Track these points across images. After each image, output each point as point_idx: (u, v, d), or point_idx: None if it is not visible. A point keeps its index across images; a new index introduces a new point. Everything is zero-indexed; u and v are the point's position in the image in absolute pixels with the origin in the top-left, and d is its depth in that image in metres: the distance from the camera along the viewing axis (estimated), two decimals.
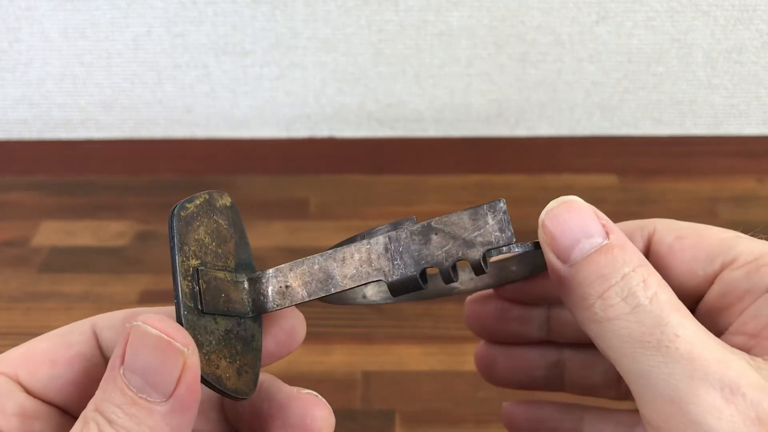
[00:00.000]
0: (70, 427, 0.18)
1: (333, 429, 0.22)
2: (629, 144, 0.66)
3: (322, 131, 0.67)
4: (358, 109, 0.65)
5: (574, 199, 0.22)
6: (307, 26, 0.61)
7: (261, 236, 0.56)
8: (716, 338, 0.20)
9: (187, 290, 0.20)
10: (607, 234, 0.21)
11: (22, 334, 0.48)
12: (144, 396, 0.18)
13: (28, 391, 0.21)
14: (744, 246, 0.22)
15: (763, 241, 0.22)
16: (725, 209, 0.58)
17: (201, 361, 0.19)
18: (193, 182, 0.62)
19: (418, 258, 0.21)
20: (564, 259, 0.21)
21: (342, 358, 0.46)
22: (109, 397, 0.18)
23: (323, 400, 0.23)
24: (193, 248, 0.21)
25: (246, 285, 0.23)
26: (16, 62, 0.63)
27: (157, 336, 0.18)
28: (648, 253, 0.23)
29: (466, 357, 0.46)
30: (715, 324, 0.22)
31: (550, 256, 0.22)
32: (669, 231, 0.23)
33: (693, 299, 0.23)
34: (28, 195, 0.61)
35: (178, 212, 0.21)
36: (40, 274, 0.53)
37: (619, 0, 0.60)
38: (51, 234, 0.56)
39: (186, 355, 0.18)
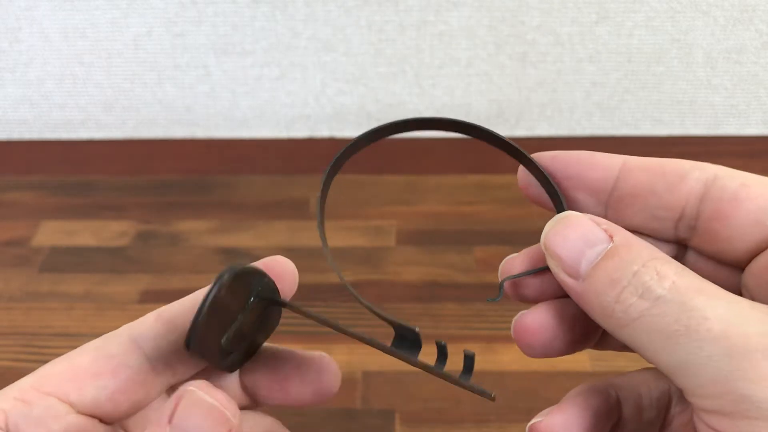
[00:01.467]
0: None
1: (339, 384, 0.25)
2: (629, 144, 0.66)
3: (322, 131, 0.67)
4: (358, 109, 0.65)
5: (569, 214, 0.22)
6: (307, 26, 0.61)
7: (261, 236, 0.56)
8: (757, 306, 0.19)
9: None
10: (611, 237, 0.20)
11: (23, 334, 0.49)
12: None
13: (76, 409, 0.21)
14: None
15: None
16: None
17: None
18: (193, 182, 0.62)
19: None
20: (575, 276, 0.20)
21: (342, 358, 0.46)
22: None
23: (331, 358, 0.25)
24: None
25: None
26: (16, 62, 0.63)
27: (211, 404, 0.19)
28: (704, 200, 0.22)
29: None
30: None
31: (562, 277, 0.21)
32: (732, 178, 0.21)
33: (753, 252, 0.21)
34: (28, 195, 0.61)
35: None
36: (40, 274, 0.53)
37: (619, 0, 0.60)
38: (51, 234, 0.56)
39: (232, 425, 0.19)
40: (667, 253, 0.23)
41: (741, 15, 0.60)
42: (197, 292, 0.23)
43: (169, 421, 0.19)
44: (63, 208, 0.59)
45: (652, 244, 0.23)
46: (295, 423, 0.43)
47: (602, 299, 0.20)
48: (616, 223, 0.22)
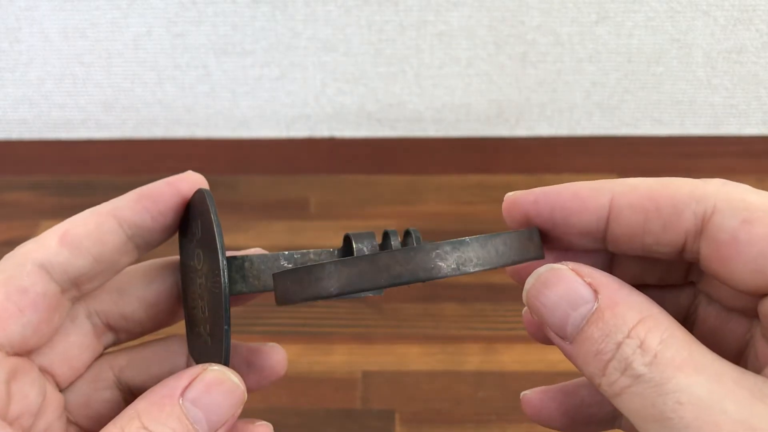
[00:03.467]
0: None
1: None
2: (629, 144, 0.66)
3: (322, 131, 0.67)
4: (358, 109, 0.65)
5: (551, 268, 0.20)
6: (307, 26, 0.61)
7: (261, 236, 0.56)
8: (746, 380, 0.17)
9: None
10: (596, 294, 0.19)
11: None
12: (197, 428, 0.20)
13: (4, 351, 0.21)
14: None
15: None
16: None
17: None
18: None
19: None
20: (563, 337, 0.19)
21: (342, 358, 0.46)
22: (162, 419, 0.19)
23: (279, 345, 0.26)
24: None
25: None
26: (16, 62, 0.63)
27: (235, 383, 0.21)
28: (701, 234, 0.19)
29: (466, 357, 0.46)
30: None
31: (551, 335, 0.20)
32: (733, 213, 0.19)
33: (756, 297, 0.19)
34: (28, 195, 0.61)
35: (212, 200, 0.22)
36: None
37: (619, 0, 0.60)
38: None
39: (239, 408, 0.21)
40: (679, 300, 0.22)
41: (741, 15, 0.60)
42: (100, 206, 0.24)
43: (182, 395, 0.20)
44: (63, 208, 0.59)
45: (661, 293, 0.22)
46: (295, 423, 0.43)
47: (590, 369, 0.19)
48: (618, 251, 0.20)
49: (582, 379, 0.24)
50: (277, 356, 0.26)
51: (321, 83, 0.64)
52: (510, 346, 0.46)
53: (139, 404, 0.20)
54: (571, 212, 0.21)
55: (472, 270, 0.20)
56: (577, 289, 0.19)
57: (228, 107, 0.66)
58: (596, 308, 0.18)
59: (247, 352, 0.26)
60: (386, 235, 0.24)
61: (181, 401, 0.20)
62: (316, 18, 0.61)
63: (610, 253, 0.23)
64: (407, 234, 0.25)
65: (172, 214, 0.23)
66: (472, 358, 0.46)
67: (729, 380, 0.17)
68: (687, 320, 0.23)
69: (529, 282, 0.20)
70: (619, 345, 0.18)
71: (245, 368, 0.25)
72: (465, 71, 0.63)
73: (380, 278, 0.19)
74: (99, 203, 0.24)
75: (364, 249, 0.24)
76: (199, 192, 0.23)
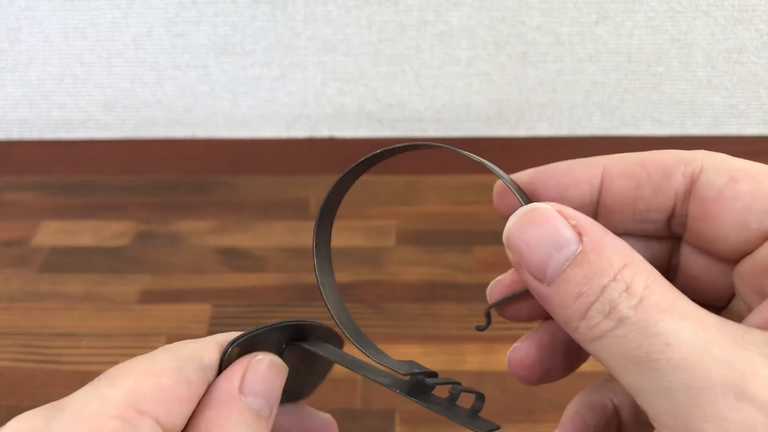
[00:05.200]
0: None
1: None
2: (629, 144, 0.66)
3: (322, 131, 0.67)
4: (358, 109, 0.65)
5: (536, 207, 0.19)
6: (307, 26, 0.61)
7: (261, 236, 0.56)
8: (728, 327, 0.17)
9: None
10: (580, 236, 0.19)
11: (23, 334, 0.49)
12: (263, 414, 0.21)
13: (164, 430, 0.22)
14: None
15: None
16: None
17: None
18: (193, 182, 0.62)
19: None
20: (541, 279, 0.19)
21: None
22: (233, 420, 0.20)
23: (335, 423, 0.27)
24: None
25: None
26: (17, 62, 0.63)
27: (280, 364, 0.22)
28: (690, 195, 0.20)
29: (466, 357, 0.46)
30: (762, 286, 0.19)
31: (526, 277, 0.19)
32: (719, 172, 0.20)
33: (740, 254, 0.20)
34: (28, 195, 0.61)
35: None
36: (40, 274, 0.53)
37: (619, 0, 0.60)
38: (51, 234, 0.56)
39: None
40: (661, 251, 0.23)
41: (741, 15, 0.60)
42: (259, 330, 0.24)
43: (240, 392, 0.21)
44: (63, 208, 0.59)
45: (644, 243, 0.22)
46: None
47: (568, 312, 0.19)
48: (607, 226, 0.20)
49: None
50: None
51: (321, 83, 0.64)
52: (510, 346, 0.46)
53: (206, 414, 0.21)
54: (565, 186, 0.21)
55: None
56: (561, 230, 0.19)
57: (228, 107, 0.66)
58: (581, 251, 0.18)
59: (305, 417, 0.26)
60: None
61: (242, 398, 0.21)
62: (316, 18, 0.61)
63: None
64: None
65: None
66: (472, 358, 0.46)
67: (712, 327, 0.17)
68: (667, 273, 0.23)
69: (512, 220, 0.20)
70: (603, 288, 0.18)
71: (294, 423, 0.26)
72: (465, 71, 0.63)
73: None
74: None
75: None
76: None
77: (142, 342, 0.47)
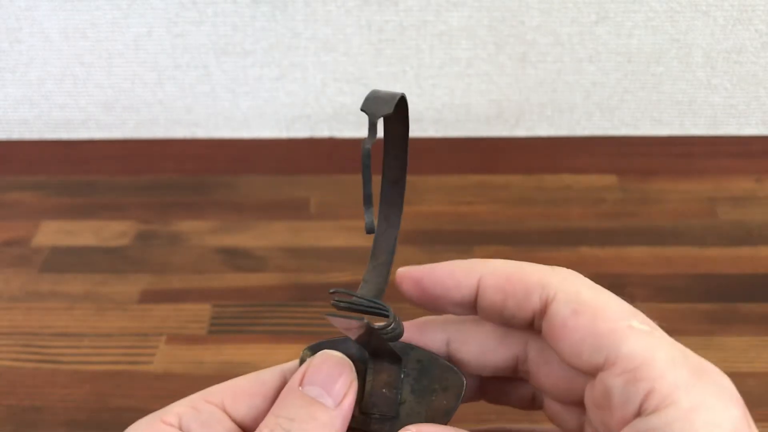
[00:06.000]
0: None
1: None
2: (629, 144, 0.66)
3: (322, 131, 0.67)
4: (358, 109, 0.65)
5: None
6: (307, 26, 0.61)
7: (261, 236, 0.56)
8: None
9: None
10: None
11: (23, 334, 0.49)
12: (321, 401, 0.23)
13: (232, 419, 0.25)
14: (630, 346, 0.21)
15: (656, 341, 0.21)
16: (724, 209, 0.58)
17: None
18: (193, 182, 0.62)
19: None
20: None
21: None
22: (289, 405, 0.23)
23: None
24: None
25: None
26: (17, 62, 0.63)
27: (339, 356, 0.25)
28: (544, 315, 0.23)
29: None
30: (603, 419, 0.22)
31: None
32: (567, 303, 0.23)
33: (582, 375, 0.23)
34: (28, 195, 0.61)
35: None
36: (40, 274, 0.53)
37: (619, 0, 0.60)
38: (52, 234, 0.57)
39: (354, 375, 0.24)
40: (526, 338, 0.25)
41: (740, 15, 0.60)
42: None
43: (300, 382, 0.24)
44: (63, 208, 0.59)
45: (513, 331, 0.25)
46: None
47: None
48: (484, 318, 0.25)
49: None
50: None
51: (321, 83, 0.64)
52: None
53: (274, 405, 0.24)
54: (448, 288, 0.25)
55: None
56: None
57: (228, 107, 0.66)
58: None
59: None
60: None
61: (300, 388, 0.24)
62: (316, 18, 0.61)
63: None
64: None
65: None
66: None
67: None
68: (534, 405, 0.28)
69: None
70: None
71: None
72: (465, 71, 0.63)
73: None
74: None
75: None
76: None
77: (142, 342, 0.48)
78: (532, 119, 0.66)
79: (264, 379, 0.26)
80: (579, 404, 0.24)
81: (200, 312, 0.50)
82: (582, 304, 0.22)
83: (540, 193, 0.60)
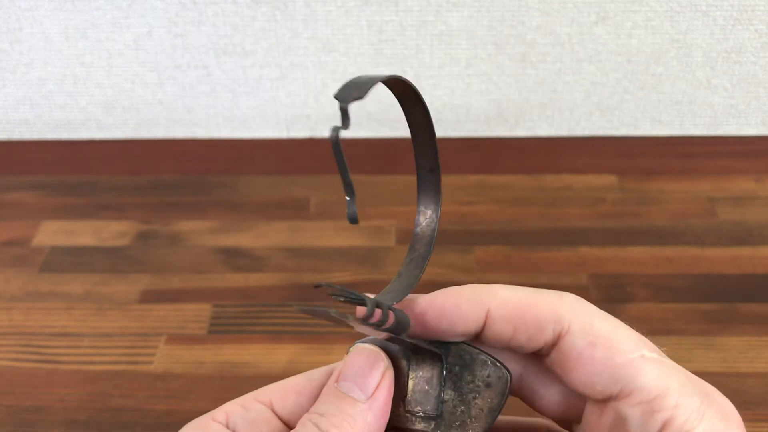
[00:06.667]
0: None
1: None
2: (628, 144, 0.66)
3: (322, 131, 0.67)
4: (358, 109, 0.65)
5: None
6: (307, 26, 0.61)
7: (261, 236, 0.56)
8: None
9: None
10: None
11: (23, 334, 0.49)
12: (351, 395, 0.23)
13: (280, 418, 0.25)
14: (645, 378, 0.22)
15: (667, 369, 0.22)
16: (724, 209, 0.58)
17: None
18: (193, 182, 0.62)
19: None
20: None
21: (342, 357, 0.46)
22: (322, 400, 0.24)
23: None
24: None
25: None
26: (17, 63, 0.63)
27: (370, 348, 0.25)
28: (556, 345, 0.24)
29: None
30: None
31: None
32: (583, 336, 0.23)
33: (583, 398, 0.24)
34: (29, 195, 0.61)
35: None
36: (40, 274, 0.53)
37: (619, 0, 0.60)
38: (52, 234, 0.57)
39: (387, 366, 0.24)
40: (526, 361, 0.26)
41: (740, 15, 0.60)
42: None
43: (337, 380, 0.24)
44: (63, 208, 0.59)
45: (512, 355, 0.26)
46: None
47: None
48: (487, 344, 0.25)
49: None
50: None
51: (321, 83, 0.64)
52: None
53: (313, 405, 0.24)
54: (454, 322, 0.24)
55: None
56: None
57: (228, 107, 0.66)
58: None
59: None
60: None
61: (335, 384, 0.24)
62: (316, 18, 0.61)
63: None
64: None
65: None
66: None
67: None
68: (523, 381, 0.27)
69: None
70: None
71: None
72: (465, 71, 0.63)
73: None
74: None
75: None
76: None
77: (142, 342, 0.48)
78: (532, 119, 0.66)
79: (313, 377, 0.26)
80: (574, 420, 0.25)
81: (200, 312, 0.50)
82: (597, 336, 0.23)
83: (540, 193, 0.60)
